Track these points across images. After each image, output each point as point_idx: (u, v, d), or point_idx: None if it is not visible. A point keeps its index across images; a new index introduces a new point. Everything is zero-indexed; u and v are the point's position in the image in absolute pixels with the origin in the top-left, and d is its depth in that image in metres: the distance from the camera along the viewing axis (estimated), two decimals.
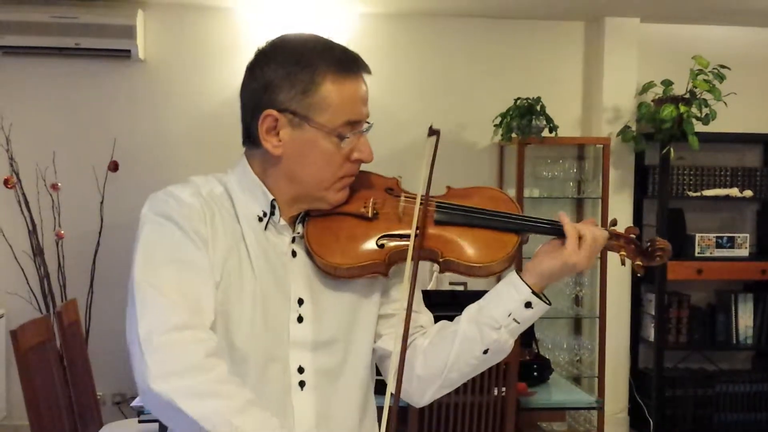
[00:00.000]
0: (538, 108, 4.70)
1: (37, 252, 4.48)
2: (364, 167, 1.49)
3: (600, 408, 4.60)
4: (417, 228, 1.41)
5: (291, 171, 1.41)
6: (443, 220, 1.46)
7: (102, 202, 4.61)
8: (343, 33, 4.88)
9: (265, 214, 1.43)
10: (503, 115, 4.80)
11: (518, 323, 1.44)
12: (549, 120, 4.71)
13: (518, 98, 4.76)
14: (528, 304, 1.43)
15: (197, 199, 1.39)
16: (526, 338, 3.53)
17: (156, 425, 2.89)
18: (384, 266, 1.43)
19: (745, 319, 5.12)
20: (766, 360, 5.30)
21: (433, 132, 1.47)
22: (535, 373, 3.42)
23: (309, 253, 1.44)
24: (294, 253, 1.45)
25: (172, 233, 1.35)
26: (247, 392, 1.28)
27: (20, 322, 3.03)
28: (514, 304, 1.43)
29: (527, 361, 3.40)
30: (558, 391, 3.41)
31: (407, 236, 1.40)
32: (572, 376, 4.91)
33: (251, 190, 1.43)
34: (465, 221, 1.46)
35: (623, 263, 1.51)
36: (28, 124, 4.75)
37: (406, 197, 1.47)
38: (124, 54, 4.71)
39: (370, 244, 1.43)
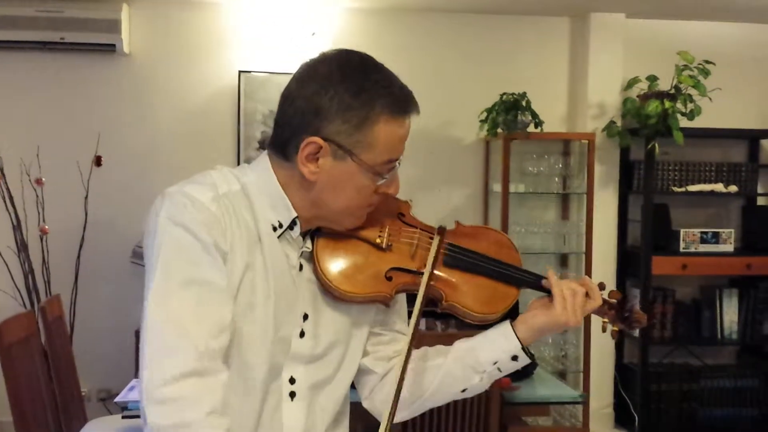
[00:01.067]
0: (524, 103, 4.70)
1: (22, 247, 4.46)
2: None
3: (585, 402, 4.62)
4: (428, 280, 1.44)
5: (320, 198, 1.38)
6: (451, 264, 1.49)
7: (86, 197, 4.59)
8: (329, 28, 4.87)
9: (280, 225, 1.39)
10: (489, 111, 4.80)
11: (500, 371, 1.49)
12: (534, 115, 4.72)
13: (504, 93, 4.76)
14: (514, 357, 1.47)
15: (217, 205, 1.33)
16: None
17: (140, 421, 2.87)
18: (389, 299, 1.45)
19: (729, 314, 5.14)
20: (750, 355, 5.33)
21: (440, 230, 1.49)
22: (520, 368, 3.42)
23: (315, 270, 1.42)
24: (300, 267, 1.43)
25: (191, 248, 1.29)
26: None
27: (4, 317, 3.01)
28: (502, 355, 1.47)
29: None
30: (542, 386, 3.42)
31: (417, 273, 1.43)
32: (557, 372, 4.93)
33: (272, 199, 1.39)
34: (472, 268, 1.49)
35: (604, 330, 1.56)
36: (12, 119, 4.73)
37: (421, 232, 1.48)
38: (109, 48, 4.70)
39: (379, 276, 1.43)
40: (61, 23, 4.60)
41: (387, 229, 1.46)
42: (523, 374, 3.42)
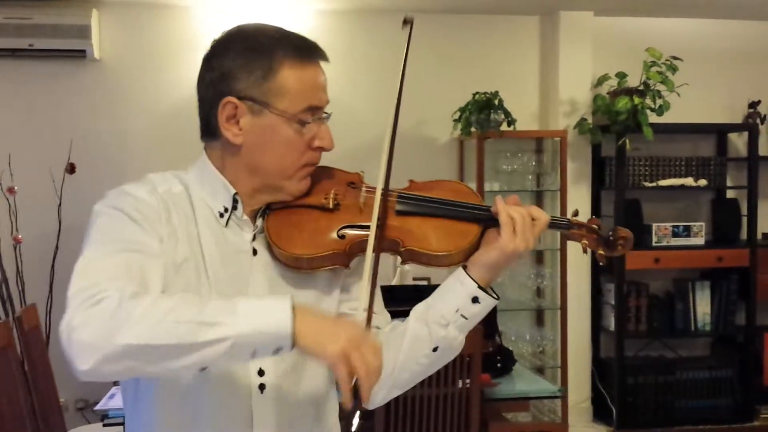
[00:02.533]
0: (496, 102, 4.74)
1: None
2: (327, 162, 1.49)
3: (563, 396, 4.66)
4: (379, 215, 1.40)
5: (252, 160, 1.40)
6: (404, 211, 1.46)
7: (60, 205, 4.55)
8: (300, 30, 4.86)
9: (226, 210, 1.41)
10: (462, 110, 4.83)
11: (466, 319, 1.43)
12: (507, 114, 4.76)
13: (476, 93, 4.79)
14: (475, 299, 1.42)
15: (153, 197, 1.36)
16: (489, 330, 3.56)
17: (120, 429, 2.87)
18: (345, 257, 1.42)
19: (702, 306, 5.21)
20: (724, 346, 5.40)
21: (406, 21, 1.49)
22: (499, 365, 3.45)
23: (270, 248, 1.42)
24: (255, 251, 1.43)
25: (125, 222, 1.31)
26: (177, 294, 1.25)
27: None
28: (461, 300, 1.42)
29: (490, 352, 3.44)
30: (521, 382, 3.46)
31: (368, 227, 1.40)
32: (536, 367, 4.96)
33: (212, 185, 1.42)
34: (426, 211, 1.45)
35: (585, 251, 1.52)
36: None
37: (367, 189, 1.47)
38: (80, 54, 4.66)
39: (332, 235, 1.42)
40: (30, 30, 4.56)
41: (333, 192, 1.45)
42: (502, 371, 3.46)
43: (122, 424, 2.83)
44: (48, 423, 3.34)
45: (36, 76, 4.75)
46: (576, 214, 1.53)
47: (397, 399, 3.00)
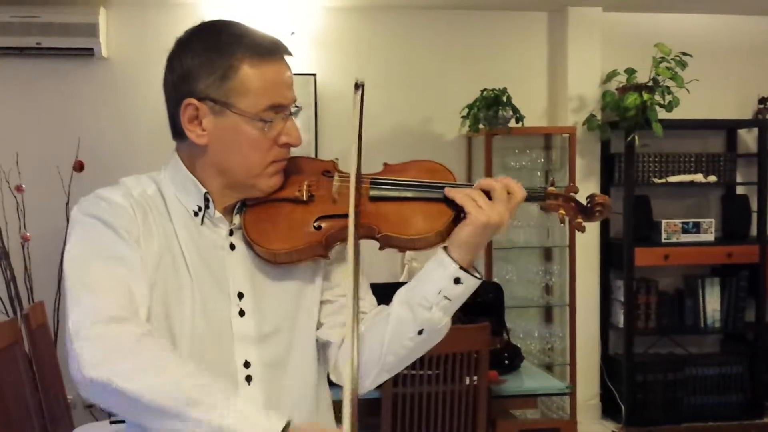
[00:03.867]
0: (505, 99, 4.72)
1: (3, 255, 4.42)
2: (298, 153, 1.48)
3: (571, 394, 4.65)
4: (355, 205, 1.38)
5: (218, 160, 1.40)
6: (378, 196, 1.44)
7: (68, 203, 4.55)
8: (308, 27, 4.87)
9: (200, 209, 1.41)
10: (470, 107, 4.82)
11: (449, 300, 1.40)
12: (515, 110, 4.74)
13: (484, 89, 4.78)
14: (457, 280, 1.39)
15: (127, 200, 1.38)
16: (497, 327, 3.55)
17: (125, 426, 2.87)
18: (322, 248, 1.41)
19: (712, 302, 5.19)
20: (733, 342, 5.38)
21: (357, 86, 1.46)
22: (506, 362, 3.44)
23: (248, 244, 1.42)
24: (233, 246, 1.43)
25: (102, 232, 1.33)
26: (191, 363, 1.28)
27: None
28: (443, 282, 1.39)
29: (498, 349, 3.43)
30: (529, 379, 3.44)
31: (344, 216, 1.38)
32: (544, 364, 4.95)
33: (184, 185, 1.42)
34: (400, 195, 1.44)
35: (562, 222, 1.50)
36: None
37: (340, 176, 1.46)
38: (87, 52, 4.67)
39: (308, 227, 1.42)
40: (38, 28, 4.56)
41: (305, 183, 1.44)
42: (510, 367, 3.44)
43: None
44: (55, 420, 3.35)
45: (44, 74, 4.76)
46: (552, 184, 1.51)
47: (404, 396, 2.99)
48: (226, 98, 1.36)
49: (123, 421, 2.84)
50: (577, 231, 1.52)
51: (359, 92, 1.46)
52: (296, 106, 1.43)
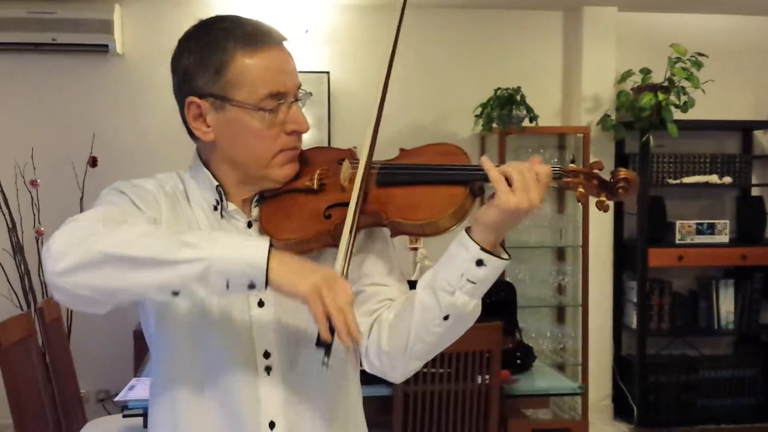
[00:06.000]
0: (519, 98, 4.71)
1: (17, 249, 4.45)
2: (310, 143, 1.48)
3: (583, 394, 4.63)
4: (360, 190, 1.36)
5: (228, 154, 1.41)
6: (386, 182, 1.40)
7: (82, 198, 4.57)
8: (322, 25, 4.87)
9: (218, 202, 1.43)
10: (483, 106, 4.81)
11: (474, 283, 1.33)
12: (529, 110, 4.73)
13: (498, 88, 4.77)
14: (480, 262, 1.32)
15: (157, 189, 1.41)
16: (510, 327, 3.54)
17: (140, 420, 2.88)
18: (331, 237, 1.38)
19: (726, 304, 5.16)
20: (747, 345, 5.35)
21: None
22: (519, 361, 3.43)
23: (263, 235, 1.41)
24: None
25: (123, 200, 1.36)
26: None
27: (1, 319, 3.01)
28: (465, 264, 1.33)
29: (510, 349, 3.41)
30: (541, 378, 3.43)
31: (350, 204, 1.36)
32: (556, 364, 4.94)
33: (202, 181, 1.45)
34: (409, 180, 1.39)
35: (579, 201, 1.37)
36: (5, 121, 4.72)
37: (352, 164, 1.43)
38: (102, 49, 4.68)
39: (318, 217, 1.40)
40: (53, 24, 4.59)
41: (317, 172, 1.43)
42: (522, 367, 3.43)
43: (141, 415, 2.84)
44: (68, 413, 3.37)
45: (59, 70, 4.78)
46: (573, 161, 1.44)
47: (415, 394, 2.99)
48: (224, 92, 1.36)
49: (136, 415, 2.86)
50: (599, 210, 1.38)
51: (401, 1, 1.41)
52: (303, 91, 1.43)
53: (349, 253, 1.31)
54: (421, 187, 1.37)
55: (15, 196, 4.48)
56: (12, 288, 4.48)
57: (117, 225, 1.23)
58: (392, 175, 1.40)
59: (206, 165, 1.44)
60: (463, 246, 1.34)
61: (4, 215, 4.42)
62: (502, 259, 1.34)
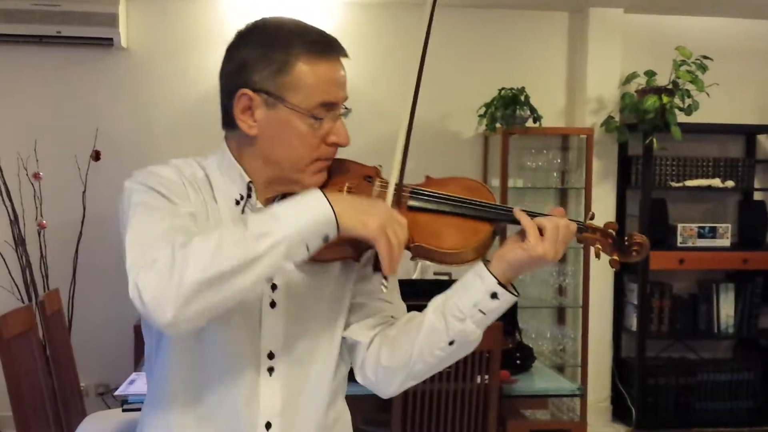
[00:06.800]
0: (522, 98, 4.71)
1: (19, 242, 4.45)
2: (344, 155, 1.49)
3: (582, 395, 4.64)
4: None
5: (266, 152, 1.42)
6: (416, 206, 1.45)
7: (84, 192, 4.58)
8: (327, 21, 4.86)
9: (242, 197, 1.43)
10: (487, 105, 4.80)
11: (484, 314, 1.41)
12: (533, 110, 4.72)
13: (502, 88, 4.76)
14: (494, 295, 1.40)
15: (179, 177, 1.41)
16: (509, 327, 3.54)
17: (140, 415, 2.88)
18: (355, 250, 1.41)
19: (726, 308, 5.16)
20: (747, 349, 5.34)
21: None
22: (518, 362, 3.43)
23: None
24: None
25: (156, 196, 1.35)
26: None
27: (2, 312, 3.01)
28: (479, 295, 1.41)
29: (510, 349, 3.41)
30: (540, 379, 3.43)
31: None
32: (555, 365, 4.94)
33: (229, 173, 1.44)
34: (438, 208, 1.45)
35: (597, 256, 1.49)
36: (9, 113, 4.72)
37: (381, 184, 1.47)
38: (107, 42, 4.68)
39: None
40: (58, 17, 4.59)
41: (347, 185, 1.46)
42: (521, 368, 3.43)
43: (140, 409, 2.84)
44: (68, 407, 3.37)
45: (63, 63, 4.78)
46: (592, 217, 1.50)
47: (414, 393, 2.99)
48: (280, 92, 1.38)
49: (136, 410, 2.86)
50: (611, 267, 1.50)
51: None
52: (345, 108, 1.45)
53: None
54: (448, 217, 1.45)
55: (17, 189, 4.49)
56: (13, 281, 4.49)
57: (187, 245, 1.22)
58: (423, 201, 1.46)
59: (236, 159, 1.44)
60: (479, 277, 1.41)
61: (6, 207, 4.42)
62: (513, 294, 1.42)
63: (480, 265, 1.43)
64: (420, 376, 1.50)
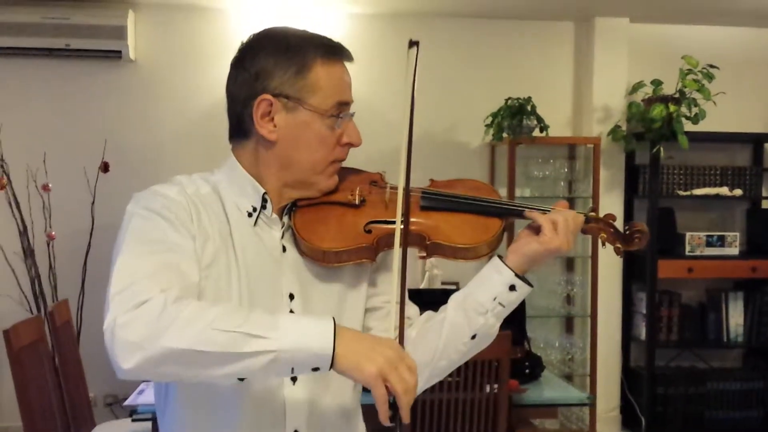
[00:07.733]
0: (529, 108, 4.71)
1: (28, 253, 4.47)
2: (362, 162, 1.53)
3: (592, 404, 4.62)
4: (404, 208, 1.41)
5: (285, 155, 1.43)
6: (428, 206, 1.50)
7: (93, 203, 4.60)
8: (333, 33, 4.87)
9: (255, 209, 1.44)
10: (494, 115, 4.81)
11: (503, 306, 1.47)
12: (540, 120, 4.73)
13: (509, 98, 4.77)
14: (512, 287, 1.46)
15: (183, 197, 1.39)
16: (518, 336, 3.54)
17: (149, 425, 2.89)
18: (372, 251, 1.45)
19: (735, 317, 5.14)
20: (756, 358, 5.32)
21: (413, 43, 1.46)
22: (527, 371, 3.43)
23: (297, 245, 1.45)
24: (284, 248, 1.46)
25: (158, 223, 1.34)
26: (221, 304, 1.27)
27: (11, 323, 3.02)
28: (498, 288, 1.46)
29: (519, 358, 3.41)
30: (550, 388, 3.42)
31: (394, 222, 1.42)
32: (564, 375, 4.92)
33: (240, 186, 1.45)
34: (449, 207, 1.51)
35: (603, 245, 1.57)
36: (19, 125, 4.74)
37: (391, 187, 1.51)
38: (115, 55, 4.71)
39: (358, 230, 1.46)
40: (67, 30, 4.62)
41: (358, 189, 1.50)
42: (530, 377, 3.43)
43: (150, 419, 2.85)
44: (77, 417, 3.38)
45: (72, 75, 4.81)
46: (592, 210, 1.59)
47: (423, 402, 2.99)
48: (299, 95, 1.41)
49: (145, 420, 2.86)
50: (616, 255, 1.59)
51: (414, 52, 1.45)
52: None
53: (402, 277, 1.36)
54: (460, 214, 1.51)
55: (27, 200, 4.52)
56: (23, 292, 4.51)
57: (181, 303, 1.19)
58: (435, 200, 1.51)
59: (248, 170, 1.45)
60: (497, 271, 1.47)
61: (15, 219, 4.45)
62: (529, 285, 1.48)
63: (496, 260, 1.49)
64: (442, 372, 1.53)
